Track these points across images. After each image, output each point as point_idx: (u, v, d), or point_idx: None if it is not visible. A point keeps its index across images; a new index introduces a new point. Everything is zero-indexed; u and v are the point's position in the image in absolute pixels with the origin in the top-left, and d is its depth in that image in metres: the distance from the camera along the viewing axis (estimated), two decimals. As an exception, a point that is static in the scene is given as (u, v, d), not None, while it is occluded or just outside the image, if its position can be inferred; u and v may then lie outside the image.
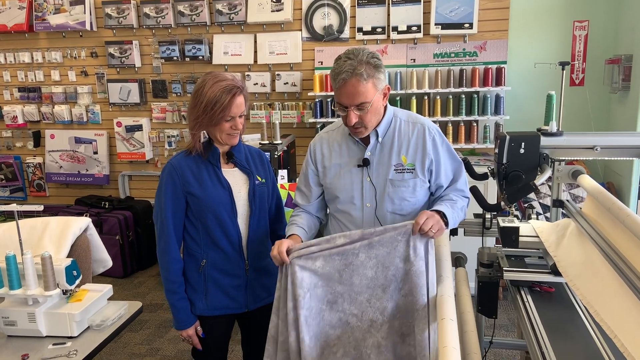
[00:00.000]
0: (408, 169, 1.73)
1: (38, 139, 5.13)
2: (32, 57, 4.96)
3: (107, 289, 2.00)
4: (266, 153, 3.68)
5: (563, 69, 2.08)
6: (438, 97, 4.10)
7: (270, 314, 1.97)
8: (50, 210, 4.79)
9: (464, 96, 4.06)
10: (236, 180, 1.84)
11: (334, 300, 1.58)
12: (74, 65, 4.92)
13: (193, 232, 1.84)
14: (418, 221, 1.53)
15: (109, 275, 4.49)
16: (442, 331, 1.24)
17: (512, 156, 2.02)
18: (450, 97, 4.07)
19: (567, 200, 2.24)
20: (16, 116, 5.02)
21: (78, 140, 5.00)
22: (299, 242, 1.67)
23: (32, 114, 5.05)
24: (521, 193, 1.93)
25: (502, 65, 3.99)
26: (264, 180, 1.90)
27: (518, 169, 2.03)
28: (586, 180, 1.99)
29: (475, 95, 4.05)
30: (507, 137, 2.01)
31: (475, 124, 4.07)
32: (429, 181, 1.77)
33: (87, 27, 4.69)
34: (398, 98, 4.16)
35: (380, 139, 1.73)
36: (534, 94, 4.15)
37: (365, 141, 1.75)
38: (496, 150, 2.10)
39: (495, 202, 2.09)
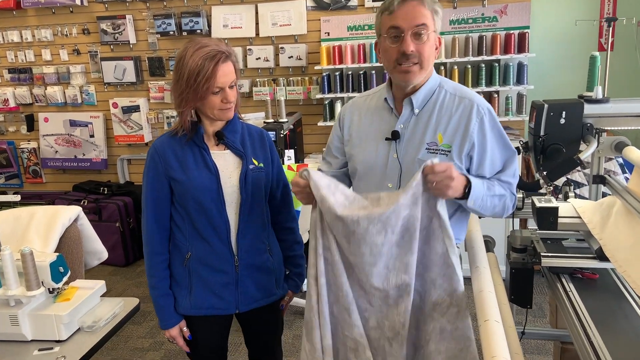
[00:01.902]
0: (442, 150, 1.49)
1: (31, 123, 4.95)
2: (22, 36, 4.75)
3: (99, 285, 1.82)
4: (271, 132, 3.52)
5: (610, 26, 1.84)
6: (455, 67, 3.86)
7: (270, 314, 1.79)
8: (47, 197, 4.66)
9: (483, 65, 3.81)
10: (227, 164, 1.64)
11: (348, 272, 1.43)
12: (66, 44, 4.72)
13: (179, 221, 1.65)
14: (431, 164, 1.32)
15: (110, 264, 4.36)
16: (488, 337, 1.06)
17: (551, 127, 1.81)
18: (469, 66, 3.83)
19: (610, 175, 2.02)
20: (7, 99, 4.84)
21: (73, 124, 4.82)
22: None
23: (23, 96, 4.87)
24: (564, 169, 1.73)
25: (525, 31, 3.74)
26: (261, 165, 1.69)
27: (558, 142, 1.82)
28: (634, 152, 1.78)
29: (496, 64, 3.81)
30: (546, 105, 1.80)
31: (496, 95, 3.84)
32: (468, 170, 1.52)
33: (77, 1, 4.47)
34: (412, 69, 3.91)
35: (416, 110, 1.51)
36: (559, 61, 3.90)
37: (400, 111, 1.54)
38: (532, 122, 1.89)
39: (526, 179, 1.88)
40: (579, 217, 1.91)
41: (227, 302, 1.67)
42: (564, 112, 1.79)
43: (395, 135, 1.51)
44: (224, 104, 1.54)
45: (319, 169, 1.70)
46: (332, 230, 1.40)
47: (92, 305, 1.81)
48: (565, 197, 2.11)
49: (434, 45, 1.46)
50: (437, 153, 1.49)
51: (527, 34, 3.72)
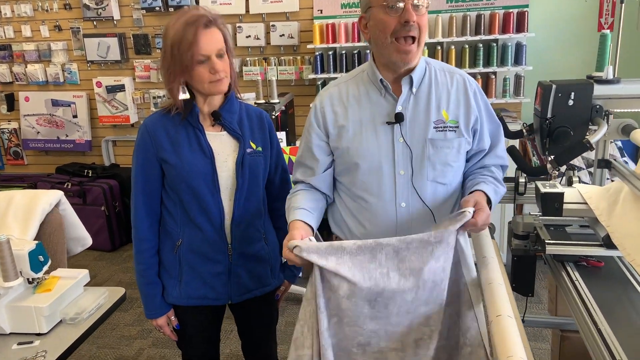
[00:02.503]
0: (451, 127, 1.42)
1: (12, 102, 4.79)
2: (0, 11, 4.56)
3: (82, 274, 1.73)
4: (263, 113, 3.42)
5: (622, 2, 1.75)
6: (452, 47, 3.77)
7: (264, 306, 1.72)
8: (29, 180, 4.52)
9: (481, 45, 3.72)
10: (223, 146, 1.54)
11: (366, 342, 1.32)
12: (46, 19, 4.54)
13: (170, 206, 1.56)
14: (477, 220, 1.29)
15: (95, 249, 4.27)
16: (502, 334, 0.99)
17: (559, 109, 1.73)
18: (467, 46, 3.74)
19: (616, 160, 1.96)
20: (-14, 78, 4.67)
21: (55, 103, 4.67)
22: (307, 230, 1.36)
23: (3, 74, 4.70)
24: (573, 153, 1.66)
25: (525, 10, 3.65)
26: (259, 149, 1.59)
27: (565, 125, 1.75)
28: (643, 136, 1.72)
29: (494, 44, 3.72)
30: (554, 86, 1.72)
31: (493, 77, 3.76)
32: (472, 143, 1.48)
33: (58, -26, 4.29)
34: (408, 49, 3.80)
35: (414, 89, 1.43)
36: (558, 41, 3.83)
37: (396, 92, 1.45)
38: (538, 104, 1.81)
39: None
40: (585, 203, 1.85)
41: (219, 292, 1.59)
42: (572, 93, 1.71)
43: (399, 118, 1.42)
44: (213, 75, 1.43)
45: (294, 181, 1.56)
46: (342, 304, 1.29)
47: (75, 296, 1.72)
48: (569, 183, 2.05)
49: (427, 26, 1.39)
50: (446, 130, 1.43)
51: (526, 13, 3.63)
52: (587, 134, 1.78)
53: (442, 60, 3.76)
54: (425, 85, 1.44)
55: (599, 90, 1.71)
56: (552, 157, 1.70)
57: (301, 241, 1.26)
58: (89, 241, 2.27)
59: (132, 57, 4.51)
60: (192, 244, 1.55)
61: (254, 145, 1.56)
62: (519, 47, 3.70)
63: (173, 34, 1.41)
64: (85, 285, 1.78)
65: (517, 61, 3.72)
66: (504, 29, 3.68)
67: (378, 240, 1.24)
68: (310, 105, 1.56)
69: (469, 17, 3.71)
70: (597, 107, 1.72)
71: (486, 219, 1.30)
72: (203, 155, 1.49)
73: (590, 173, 3.41)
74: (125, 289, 1.86)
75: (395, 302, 1.26)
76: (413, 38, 1.34)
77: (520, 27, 3.65)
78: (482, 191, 1.39)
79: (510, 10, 3.68)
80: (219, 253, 1.56)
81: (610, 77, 1.69)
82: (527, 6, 3.69)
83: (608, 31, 1.73)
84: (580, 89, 1.71)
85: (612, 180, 2.13)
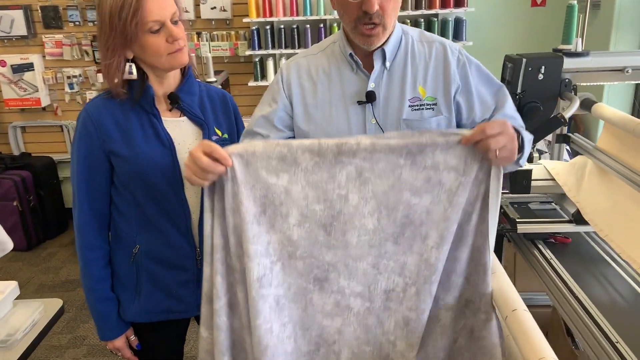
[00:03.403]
0: (428, 105, 1.30)
1: None
2: None
3: (10, 288, 1.49)
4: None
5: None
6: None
7: None
8: None
9: (422, 20, 3.70)
10: (184, 134, 1.34)
11: (324, 276, 1.14)
12: None
13: (122, 207, 1.35)
14: (484, 129, 1.05)
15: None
16: (523, 331, 0.92)
17: (529, 84, 1.71)
18: (407, 21, 3.69)
19: (575, 134, 1.98)
20: None
21: (-52, 86, 4.11)
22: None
23: None
24: (548, 129, 1.64)
25: (464, -16, 3.65)
26: (225, 135, 1.41)
27: (535, 100, 1.72)
28: (606, 109, 1.74)
29: (435, 19, 3.70)
30: (524, 60, 1.69)
31: (435, 52, 3.75)
32: (458, 121, 1.35)
33: None
34: (336, 25, 3.69)
35: (387, 64, 1.30)
36: (498, 16, 3.89)
37: (369, 68, 1.31)
38: (507, 78, 1.78)
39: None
40: (553, 180, 1.86)
41: (187, 303, 1.40)
42: (543, 67, 1.68)
43: (370, 97, 1.29)
44: (171, 45, 1.22)
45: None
46: (289, 221, 1.11)
47: (4, 314, 1.47)
48: (530, 159, 2.05)
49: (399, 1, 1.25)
50: (422, 109, 1.31)
51: (466, -13, 3.63)
52: (560, 109, 1.77)
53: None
54: (400, 59, 1.31)
55: (568, 63, 1.70)
56: (526, 133, 1.67)
57: (246, 145, 1.08)
58: (9, 245, 1.97)
59: (40, 32, 4.08)
60: (152, 250, 1.35)
61: (219, 132, 1.38)
62: (458, 22, 3.71)
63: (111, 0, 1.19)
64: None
65: (457, 36, 3.73)
66: (444, 4, 3.66)
67: (339, 157, 1.08)
68: (276, 73, 1.40)
69: (410, -9, 3.66)
70: (567, 80, 1.71)
71: (505, 144, 1.05)
72: (161, 145, 1.30)
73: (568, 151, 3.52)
74: (48, 293, 1.62)
75: (354, 229, 1.11)
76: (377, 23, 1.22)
77: (460, 2, 3.65)
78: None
79: (450, -16, 3.67)
80: (186, 259, 1.37)
81: (580, 49, 1.67)
82: (465, -20, 3.70)
83: (575, 2, 1.71)
84: (551, 62, 1.69)
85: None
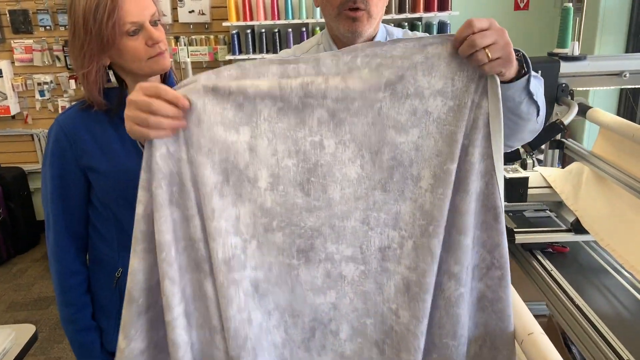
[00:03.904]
0: None
1: None
2: None
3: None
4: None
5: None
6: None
7: None
8: None
9: (406, 24, 3.66)
10: None
11: (308, 245, 0.98)
12: None
13: (102, 227, 1.25)
14: (470, 21, 0.86)
15: (-23, 266, 3.68)
16: (543, 357, 0.86)
17: (526, 89, 1.65)
18: (392, 25, 3.64)
19: (569, 140, 1.95)
20: None
21: None
22: None
23: None
24: (547, 135, 1.59)
25: (447, -13, 3.63)
26: None
27: (531, 105, 1.68)
28: (601, 114, 1.70)
29: (419, 23, 3.67)
30: (520, 64, 1.63)
31: (419, 57, 3.72)
32: None
33: None
34: (318, 28, 3.64)
35: None
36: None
37: None
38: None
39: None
40: (550, 187, 1.82)
41: None
42: (539, 72, 1.63)
43: None
44: (151, 49, 1.13)
45: None
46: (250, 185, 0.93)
47: (-30, 343, 1.36)
48: (523, 166, 2.01)
49: None
50: None
51: (450, -9, 3.61)
52: (554, 114, 1.73)
53: (368, 40, 3.64)
54: None
55: (565, 67, 1.66)
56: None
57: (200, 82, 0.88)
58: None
59: (9, 37, 3.95)
60: None
61: None
62: (442, 25, 3.68)
63: (85, 1, 1.10)
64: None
65: (441, 40, 3.71)
66: (428, 7, 3.64)
67: (307, 99, 0.91)
68: None
69: (394, -6, 3.63)
70: (563, 85, 1.67)
71: (496, 41, 0.84)
72: (140, 157, 1.20)
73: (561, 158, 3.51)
74: (20, 312, 1.50)
75: (335, 182, 0.95)
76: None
77: (444, 6, 3.63)
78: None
79: (433, -13, 3.64)
80: None
81: (577, 53, 1.64)
82: (448, -16, 3.68)
83: (570, 4, 1.68)
84: (548, 66, 1.65)
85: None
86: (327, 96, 0.91)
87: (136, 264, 0.93)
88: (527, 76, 0.91)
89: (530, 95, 0.94)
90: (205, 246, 0.93)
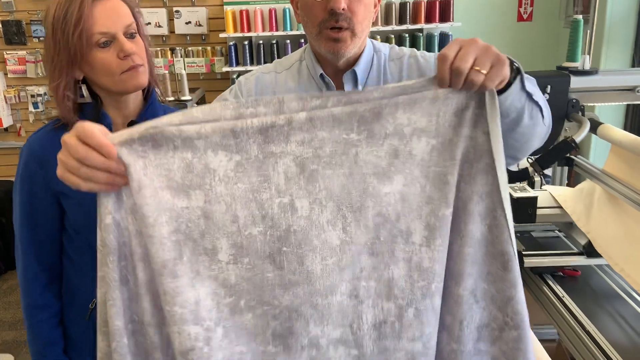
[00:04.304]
0: None
1: None
2: None
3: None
4: (173, 113, 3.03)
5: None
6: (378, 37, 3.60)
7: None
8: None
9: (407, 35, 3.61)
10: None
11: (286, 329, 0.82)
12: None
13: (76, 256, 1.17)
14: (442, 53, 0.78)
15: (-35, 283, 3.60)
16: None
17: (534, 104, 1.58)
18: (392, 36, 3.60)
19: (579, 157, 1.87)
20: None
21: None
22: None
23: None
24: (557, 154, 1.52)
25: (449, -2, 3.59)
26: None
27: (540, 122, 1.60)
28: (612, 130, 1.63)
29: (420, 34, 3.62)
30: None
31: (420, 69, 3.66)
32: None
33: None
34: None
35: (360, 87, 1.13)
36: (484, 31, 3.84)
37: (340, 87, 1.15)
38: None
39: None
40: (560, 207, 1.74)
41: None
42: (549, 86, 1.57)
43: None
44: (124, 62, 1.05)
45: None
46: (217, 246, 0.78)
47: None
48: (531, 184, 1.93)
49: (372, 3, 1.09)
50: None
51: (451, 2, 3.56)
52: (563, 130, 1.66)
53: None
54: (372, 81, 1.15)
55: (575, 82, 1.59)
56: (533, 159, 1.54)
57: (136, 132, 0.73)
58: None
59: (2, 48, 3.95)
60: None
61: None
62: (444, 37, 3.63)
63: (55, 11, 1.03)
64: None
65: (443, 52, 3.66)
66: (429, 18, 3.59)
67: (267, 147, 0.76)
68: (228, 89, 1.19)
69: (393, 6, 3.58)
70: (574, 101, 1.60)
71: (478, 54, 0.76)
72: None
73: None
74: (8, 331, 1.41)
75: (315, 250, 0.79)
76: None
77: (445, 17, 3.58)
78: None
79: (435, -2, 3.60)
80: None
81: (587, 67, 1.57)
82: (450, -6, 3.64)
83: (580, 17, 1.61)
84: (557, 81, 1.58)
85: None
86: (291, 139, 0.76)
87: (101, 345, 0.81)
88: (519, 76, 0.82)
89: (529, 96, 0.86)
90: (157, 331, 0.78)
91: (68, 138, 0.72)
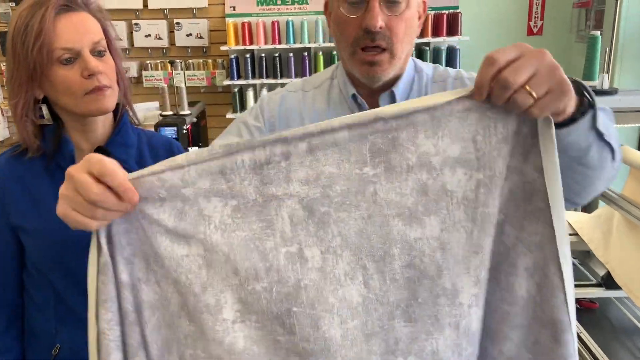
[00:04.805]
0: None
1: None
2: None
3: None
4: (171, 128, 2.94)
5: (616, -1, 1.57)
6: (383, 51, 3.54)
7: None
8: None
9: (414, 49, 3.53)
10: None
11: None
12: None
13: (37, 295, 1.07)
14: (493, 56, 0.63)
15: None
16: None
17: (549, 126, 1.50)
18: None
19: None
20: None
21: None
22: None
23: None
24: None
25: (457, 11, 3.52)
26: None
27: (556, 144, 1.52)
28: (632, 153, 1.55)
29: (427, 48, 3.55)
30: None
31: (427, 83, 3.60)
32: None
33: None
34: (335, 53, 3.53)
35: None
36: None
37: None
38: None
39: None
40: (576, 235, 1.65)
41: None
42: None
43: None
44: (87, 81, 0.97)
45: None
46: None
47: None
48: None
49: (415, 17, 0.97)
50: None
51: (459, 15, 3.50)
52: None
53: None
54: None
55: (593, 103, 1.50)
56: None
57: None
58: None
59: (0, 60, 3.83)
60: (77, 350, 1.03)
61: None
62: (451, 50, 3.57)
63: (16, 22, 0.95)
64: None
65: (450, 66, 3.56)
66: (437, 32, 3.52)
67: (267, 189, 0.65)
68: (254, 105, 1.10)
69: (399, 18, 3.52)
70: (592, 123, 1.51)
71: (537, 70, 0.61)
72: None
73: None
74: None
75: (331, 310, 0.66)
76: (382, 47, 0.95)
77: (453, 30, 3.52)
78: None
79: (442, 11, 3.53)
80: None
81: (607, 87, 1.48)
82: (457, 7, 3.58)
83: (598, 33, 1.53)
84: (574, 102, 1.49)
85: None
86: (292, 177, 0.64)
87: None
88: (591, 111, 0.67)
89: (600, 135, 0.70)
90: None
91: (78, 174, 0.63)
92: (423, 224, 0.65)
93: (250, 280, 0.66)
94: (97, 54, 0.98)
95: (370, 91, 1.00)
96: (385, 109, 0.64)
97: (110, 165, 0.63)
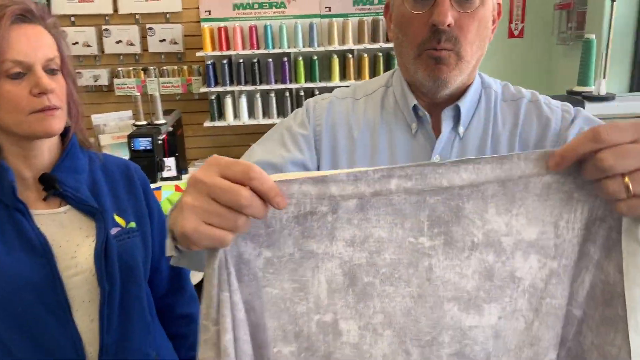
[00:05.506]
0: None
1: None
2: None
3: None
4: (146, 138, 2.82)
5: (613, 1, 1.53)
6: (365, 55, 3.49)
7: None
8: None
9: (394, 54, 3.49)
10: (66, 232, 0.98)
11: None
12: None
13: None
14: (597, 133, 0.52)
15: None
16: None
17: (547, 134, 1.46)
18: (380, 54, 3.49)
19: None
20: None
21: None
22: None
23: None
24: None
25: (439, 14, 3.49)
26: (133, 224, 1.04)
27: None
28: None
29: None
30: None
31: (410, 88, 3.56)
32: None
33: None
34: (315, 58, 3.46)
35: (461, 130, 0.91)
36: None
37: (435, 129, 0.91)
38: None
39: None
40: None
41: None
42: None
43: None
44: (37, 99, 0.88)
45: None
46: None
47: None
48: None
49: (490, 18, 0.86)
50: None
51: (441, 18, 3.47)
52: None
53: (354, 69, 3.48)
54: (478, 124, 0.92)
55: (591, 109, 1.46)
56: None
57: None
58: None
59: None
60: None
61: (121, 221, 0.99)
62: (434, 55, 3.53)
63: None
64: None
65: (433, 70, 3.56)
66: (418, 35, 3.49)
67: (306, 242, 0.57)
68: (300, 108, 0.99)
69: (380, 22, 3.48)
70: (590, 130, 1.47)
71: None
72: (30, 253, 0.90)
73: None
74: None
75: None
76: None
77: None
78: None
79: (424, 14, 3.51)
80: None
81: (604, 92, 1.44)
82: (439, 11, 3.55)
83: (593, 36, 1.49)
84: (572, 108, 1.44)
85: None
86: (337, 235, 0.56)
87: None
88: None
89: None
90: None
91: (211, 179, 0.53)
92: (482, 311, 0.58)
93: (277, 342, 0.58)
94: (50, 71, 0.89)
95: (433, 104, 0.91)
96: (460, 171, 0.54)
97: (255, 166, 0.54)
